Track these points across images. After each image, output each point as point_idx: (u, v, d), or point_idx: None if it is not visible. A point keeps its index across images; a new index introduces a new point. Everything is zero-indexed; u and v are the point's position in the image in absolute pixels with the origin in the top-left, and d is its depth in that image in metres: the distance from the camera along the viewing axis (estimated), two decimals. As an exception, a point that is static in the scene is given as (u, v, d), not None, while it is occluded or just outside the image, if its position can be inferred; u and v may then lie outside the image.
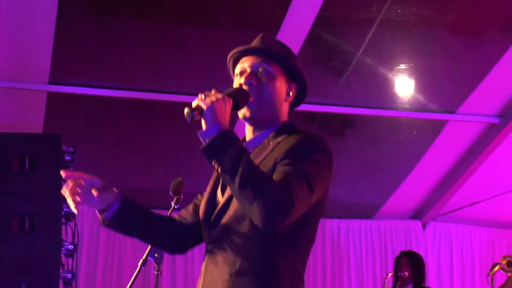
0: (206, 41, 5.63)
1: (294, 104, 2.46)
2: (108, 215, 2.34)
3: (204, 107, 2.13)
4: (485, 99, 6.37)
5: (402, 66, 6.14)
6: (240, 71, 2.38)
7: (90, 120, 6.37)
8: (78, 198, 2.28)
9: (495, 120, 6.62)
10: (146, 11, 5.46)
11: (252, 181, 2.08)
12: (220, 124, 2.12)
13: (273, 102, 2.36)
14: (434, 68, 6.27)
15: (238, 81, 2.37)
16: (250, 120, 2.36)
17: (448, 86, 6.49)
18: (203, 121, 2.14)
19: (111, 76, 5.95)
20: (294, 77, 2.42)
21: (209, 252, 2.31)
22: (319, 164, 2.21)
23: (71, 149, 4.99)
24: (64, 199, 5.30)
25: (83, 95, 5.93)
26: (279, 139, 2.31)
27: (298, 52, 5.60)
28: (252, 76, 2.34)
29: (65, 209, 5.01)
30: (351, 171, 7.31)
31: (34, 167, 4.74)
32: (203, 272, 2.33)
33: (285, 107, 2.41)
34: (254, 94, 2.32)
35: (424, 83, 6.38)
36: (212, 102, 2.13)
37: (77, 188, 2.26)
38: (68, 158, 4.97)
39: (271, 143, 2.32)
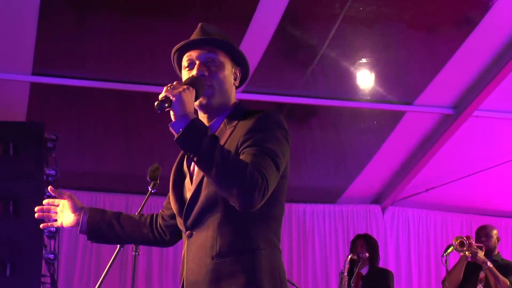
0: (177, 35, 5.72)
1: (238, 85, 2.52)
2: (80, 232, 2.64)
3: (172, 98, 2.16)
4: (440, 91, 6.52)
5: (364, 60, 6.27)
6: (189, 64, 2.42)
7: (70, 109, 6.46)
8: (54, 220, 2.68)
9: (449, 111, 6.78)
10: (122, 6, 5.58)
11: (228, 168, 2.13)
12: (188, 114, 2.16)
13: (225, 88, 2.41)
14: (393, 62, 6.38)
15: (188, 73, 2.41)
16: (205, 107, 2.40)
17: (406, 79, 6.62)
18: (172, 113, 2.16)
19: (90, 68, 6.04)
20: (237, 61, 2.49)
21: (188, 238, 2.36)
22: (279, 141, 2.29)
23: (53, 137, 5.07)
24: (47, 183, 5.38)
25: (64, 86, 6.03)
26: (234, 123, 2.37)
27: (267, 45, 5.77)
28: (203, 67, 2.39)
29: (47, 193, 5.14)
30: (315, 159, 7.46)
31: (18, 152, 4.83)
32: (185, 259, 2.37)
33: (234, 91, 2.48)
34: (208, 84, 2.37)
35: (384, 76, 6.51)
36: (180, 93, 2.17)
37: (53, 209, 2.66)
38: (50, 145, 5.05)
39: (227, 127, 2.38)
